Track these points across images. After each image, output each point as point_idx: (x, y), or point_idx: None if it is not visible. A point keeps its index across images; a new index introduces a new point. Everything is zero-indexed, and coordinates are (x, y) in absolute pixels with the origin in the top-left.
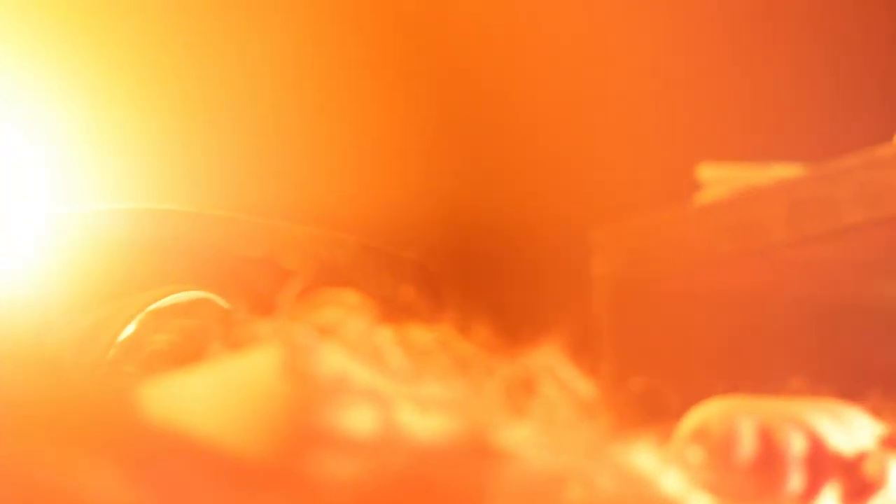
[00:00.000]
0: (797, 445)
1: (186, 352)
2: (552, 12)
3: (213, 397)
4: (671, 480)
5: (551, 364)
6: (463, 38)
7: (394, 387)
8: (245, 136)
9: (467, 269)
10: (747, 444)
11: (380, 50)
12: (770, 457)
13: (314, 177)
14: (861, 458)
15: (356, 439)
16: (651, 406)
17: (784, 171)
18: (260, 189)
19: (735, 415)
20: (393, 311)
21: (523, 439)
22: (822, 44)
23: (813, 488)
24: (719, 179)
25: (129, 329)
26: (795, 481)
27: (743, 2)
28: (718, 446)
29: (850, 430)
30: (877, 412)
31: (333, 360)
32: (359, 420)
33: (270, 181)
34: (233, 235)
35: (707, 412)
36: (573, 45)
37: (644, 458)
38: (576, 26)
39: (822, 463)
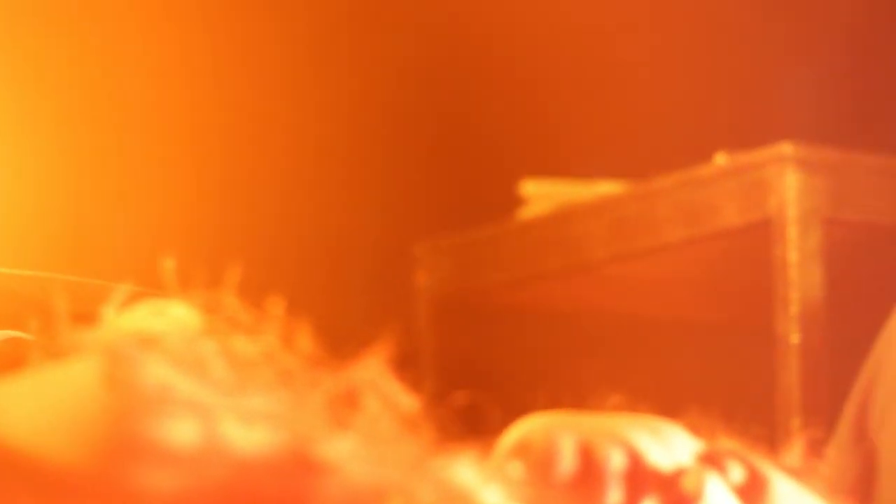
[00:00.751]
0: (616, 461)
1: (4, 361)
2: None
3: (31, 407)
4: (492, 496)
5: (374, 378)
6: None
7: (217, 398)
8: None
9: (291, 281)
10: (567, 459)
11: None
12: (589, 473)
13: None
14: (679, 474)
15: (178, 451)
16: (473, 421)
17: (606, 189)
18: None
19: (555, 430)
20: (217, 323)
21: (346, 452)
22: (644, 65)
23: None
24: (542, 196)
25: None
26: (614, 497)
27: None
28: (538, 462)
29: (668, 446)
30: (694, 429)
31: (155, 370)
32: (181, 431)
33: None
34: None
35: (528, 427)
36: (406, 61)
37: (465, 473)
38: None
39: (640, 479)
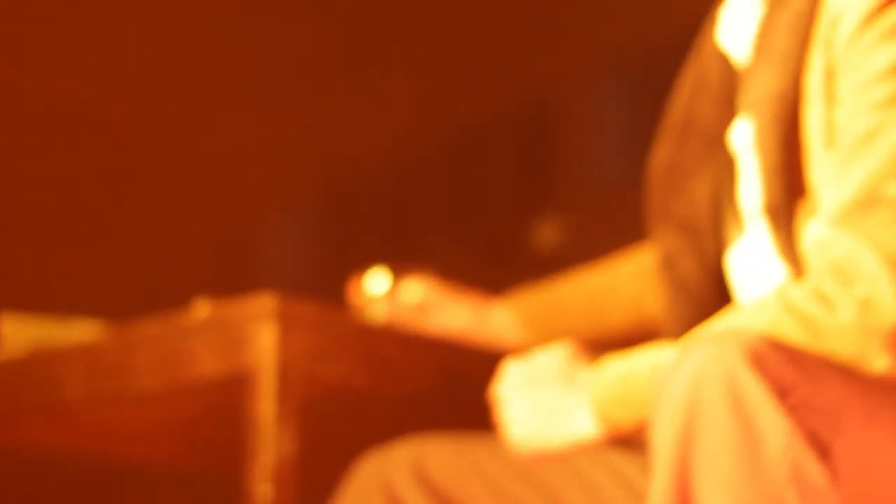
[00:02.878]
0: None
1: None
2: None
3: None
4: None
5: None
6: None
7: None
8: None
9: None
10: None
11: None
12: None
13: None
14: None
15: None
16: None
17: (84, 328)
18: None
19: None
20: None
21: None
22: (126, 204)
23: None
24: (19, 333)
25: None
26: None
27: None
28: None
29: None
30: None
31: None
32: None
33: None
34: None
35: None
36: None
37: None
38: None
39: None
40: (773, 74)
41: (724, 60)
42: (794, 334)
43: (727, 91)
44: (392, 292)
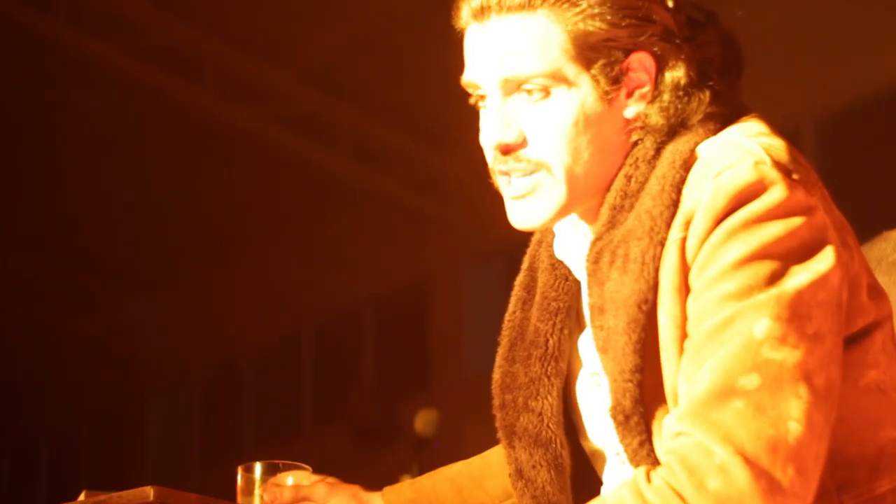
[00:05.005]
0: None
1: None
2: None
3: None
4: None
5: None
6: None
7: None
8: None
9: None
10: None
11: None
12: None
13: None
14: None
15: None
16: None
17: None
18: None
19: None
20: None
21: None
22: None
23: None
24: None
25: None
26: None
27: None
28: None
29: None
30: None
31: None
32: None
33: None
34: None
35: None
36: None
37: None
38: None
39: None
40: (624, 280)
41: (559, 273)
42: None
43: (564, 303)
44: (269, 483)
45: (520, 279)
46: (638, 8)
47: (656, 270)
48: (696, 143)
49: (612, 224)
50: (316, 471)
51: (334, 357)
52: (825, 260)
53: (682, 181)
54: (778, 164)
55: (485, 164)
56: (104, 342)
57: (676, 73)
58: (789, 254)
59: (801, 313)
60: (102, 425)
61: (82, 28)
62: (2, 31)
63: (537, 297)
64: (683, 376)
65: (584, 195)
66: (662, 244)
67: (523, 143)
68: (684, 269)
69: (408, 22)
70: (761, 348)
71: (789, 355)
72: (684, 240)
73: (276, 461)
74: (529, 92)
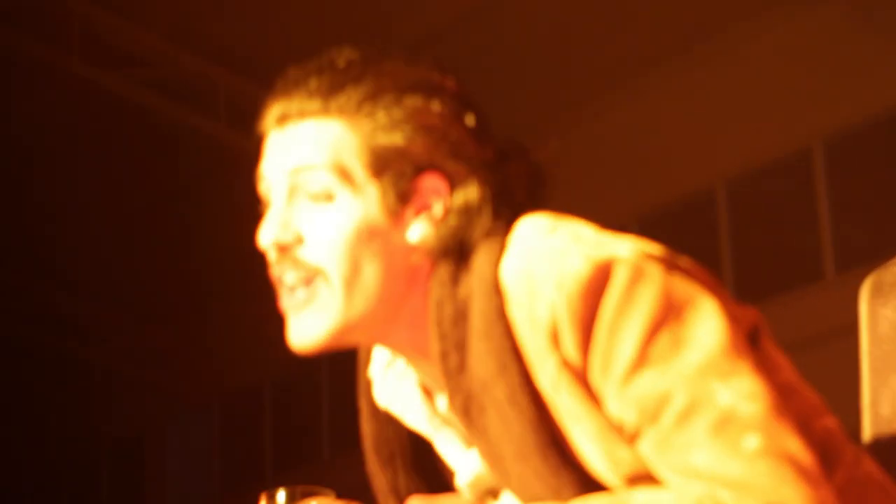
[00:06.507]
0: None
1: None
2: None
3: None
4: None
5: None
6: None
7: None
8: None
9: None
10: None
11: None
12: None
13: None
14: None
15: None
16: None
17: None
18: None
19: None
20: None
21: None
22: None
23: None
24: None
25: None
26: None
27: None
28: None
29: None
30: None
31: None
32: None
33: None
34: None
35: None
36: None
37: None
38: None
39: None
40: (511, 428)
41: (382, 418)
42: None
43: (397, 446)
44: None
45: (365, 440)
46: (436, 126)
47: (538, 405)
48: (496, 262)
49: (460, 368)
50: (338, 497)
51: (353, 382)
52: (704, 300)
53: (501, 307)
54: (594, 243)
55: None
56: (123, 370)
57: (467, 196)
58: (676, 313)
59: (738, 353)
60: (123, 453)
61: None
62: None
63: (367, 445)
64: (660, 459)
65: (369, 317)
66: (525, 378)
67: (300, 245)
68: (579, 381)
69: None
70: (736, 411)
71: (761, 399)
72: (563, 359)
73: (299, 486)
74: (314, 196)
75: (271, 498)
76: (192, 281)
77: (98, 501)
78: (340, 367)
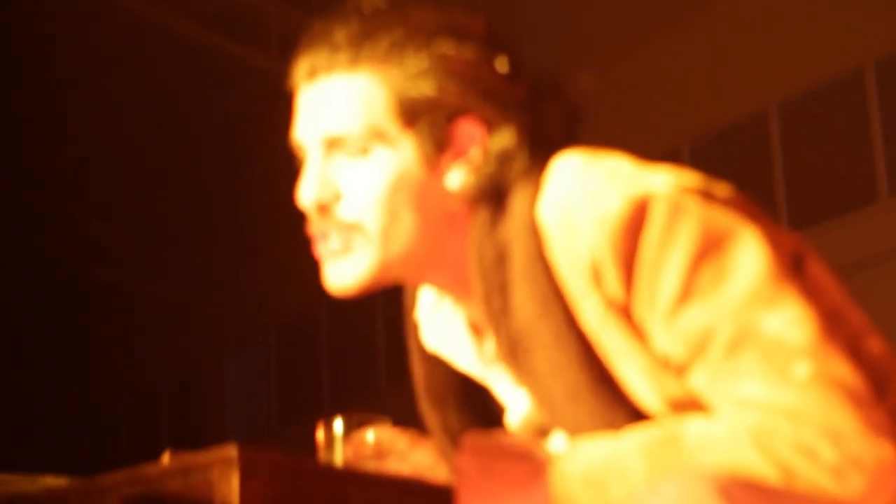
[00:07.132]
0: None
1: None
2: None
3: None
4: None
5: None
6: None
7: None
8: None
9: None
10: None
11: None
12: None
13: None
14: None
15: None
16: None
17: (52, 483)
18: None
19: None
20: None
21: None
22: None
23: None
24: None
25: None
26: None
27: None
28: None
29: None
30: None
31: None
32: None
33: None
34: None
35: None
36: None
37: None
38: None
39: None
40: (559, 369)
41: (446, 365)
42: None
43: (447, 386)
44: (350, 438)
45: (415, 378)
46: (466, 72)
47: (584, 344)
48: (532, 203)
49: (504, 310)
50: (394, 425)
51: None
52: (744, 229)
53: (541, 248)
54: (630, 179)
55: None
56: (179, 304)
57: (503, 139)
58: (716, 244)
59: (782, 280)
60: (180, 388)
61: None
62: None
63: (418, 386)
64: (711, 391)
65: (407, 262)
66: (569, 317)
67: (338, 202)
68: (624, 317)
69: None
70: (783, 338)
71: (808, 324)
72: (606, 296)
73: (356, 414)
74: (349, 152)
75: (329, 427)
76: (245, 214)
77: (157, 436)
78: (395, 296)
